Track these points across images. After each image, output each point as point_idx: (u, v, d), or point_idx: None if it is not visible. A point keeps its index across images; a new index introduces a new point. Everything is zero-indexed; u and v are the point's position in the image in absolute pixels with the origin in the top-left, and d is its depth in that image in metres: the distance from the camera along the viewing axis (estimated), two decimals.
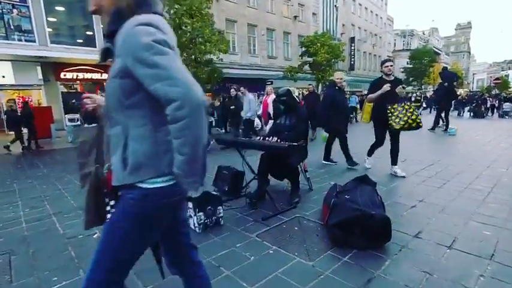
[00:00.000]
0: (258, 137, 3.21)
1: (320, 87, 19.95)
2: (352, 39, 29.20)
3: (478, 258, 1.98)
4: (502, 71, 73.83)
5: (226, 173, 3.69)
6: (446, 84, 9.50)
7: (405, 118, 3.79)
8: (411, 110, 3.84)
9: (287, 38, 23.02)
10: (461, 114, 15.88)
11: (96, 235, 2.55)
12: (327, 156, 5.14)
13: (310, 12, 24.80)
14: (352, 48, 29.23)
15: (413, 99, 14.98)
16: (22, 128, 8.68)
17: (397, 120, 3.83)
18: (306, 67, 19.11)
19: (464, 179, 3.91)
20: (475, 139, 7.72)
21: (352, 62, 29.40)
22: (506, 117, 13.94)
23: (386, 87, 3.87)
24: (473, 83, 76.08)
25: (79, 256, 2.20)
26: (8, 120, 8.92)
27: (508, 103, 14.50)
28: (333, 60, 19.05)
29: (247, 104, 7.33)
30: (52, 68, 13.34)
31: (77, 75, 14.27)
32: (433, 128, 9.49)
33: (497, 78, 29.51)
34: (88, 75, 14.64)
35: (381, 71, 4.27)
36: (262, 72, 20.16)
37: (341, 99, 4.86)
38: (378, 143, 4.35)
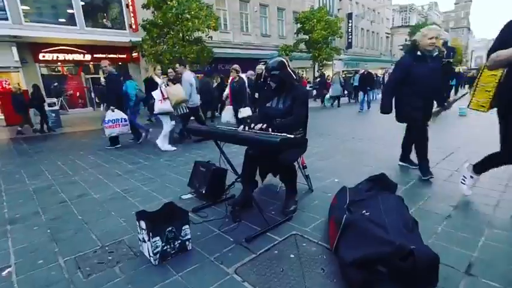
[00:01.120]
0: (242, 126, 2.42)
1: (316, 66, 18.92)
2: (349, 15, 27.69)
3: None
4: None
5: (204, 170, 2.91)
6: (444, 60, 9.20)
7: None
8: None
9: (281, 14, 21.61)
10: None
11: (6, 272, 1.79)
12: (405, 155, 3.56)
13: None
14: (350, 25, 27.78)
15: None
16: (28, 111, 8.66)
17: None
18: (302, 45, 17.97)
19: (497, 172, 3.19)
20: (487, 119, 6.98)
21: (350, 40, 28.05)
22: None
23: None
24: (471, 60, 74.87)
25: None
26: (15, 104, 8.50)
27: None
28: (330, 37, 17.91)
29: (185, 88, 5.32)
30: (29, 49, 12.22)
31: (57, 57, 13.22)
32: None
33: None
34: (70, 57, 13.62)
35: None
36: (255, 51, 18.95)
37: (422, 72, 2.87)
38: (507, 153, 2.13)
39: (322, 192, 2.83)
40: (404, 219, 1.64)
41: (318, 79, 15.76)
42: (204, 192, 2.78)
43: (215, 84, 10.75)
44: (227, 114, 5.93)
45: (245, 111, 5.48)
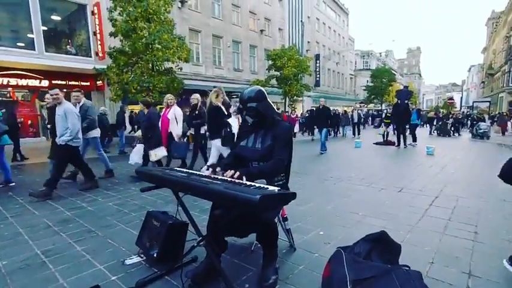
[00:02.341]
0: (207, 170, 1.87)
1: (287, 100, 19.32)
2: (317, 56, 29.61)
3: None
4: (447, 92, 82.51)
5: (157, 225, 2.26)
6: (399, 101, 10.19)
7: None
8: None
9: (253, 51, 22.38)
10: (432, 133, 15.98)
11: None
12: None
13: (277, 27, 24.59)
14: (317, 65, 29.60)
15: (383, 115, 14.80)
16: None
17: None
18: (273, 81, 18.41)
19: (492, 222, 2.91)
20: (459, 160, 7.11)
21: (318, 78, 29.71)
22: (478, 137, 12.80)
23: None
24: (422, 103, 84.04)
25: None
26: None
27: (482, 123, 13.85)
28: (300, 74, 18.63)
29: (61, 120, 4.15)
30: None
31: (8, 81, 12.06)
32: (397, 145, 9.79)
33: (450, 98, 31.67)
34: (23, 82, 12.57)
35: None
36: (228, 85, 19.03)
37: None
38: None
39: (306, 252, 2.28)
40: None
41: (309, 113, 16.46)
42: (155, 255, 2.10)
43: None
44: (136, 154, 5.03)
45: (159, 152, 4.83)
